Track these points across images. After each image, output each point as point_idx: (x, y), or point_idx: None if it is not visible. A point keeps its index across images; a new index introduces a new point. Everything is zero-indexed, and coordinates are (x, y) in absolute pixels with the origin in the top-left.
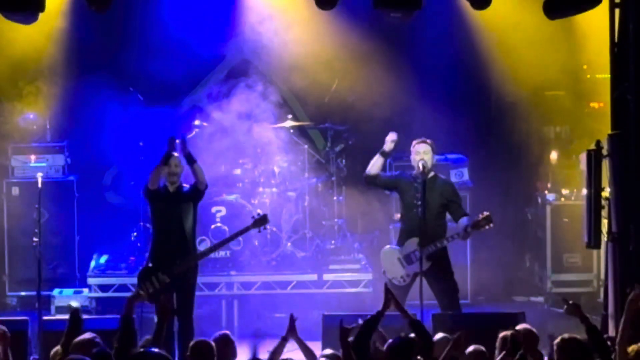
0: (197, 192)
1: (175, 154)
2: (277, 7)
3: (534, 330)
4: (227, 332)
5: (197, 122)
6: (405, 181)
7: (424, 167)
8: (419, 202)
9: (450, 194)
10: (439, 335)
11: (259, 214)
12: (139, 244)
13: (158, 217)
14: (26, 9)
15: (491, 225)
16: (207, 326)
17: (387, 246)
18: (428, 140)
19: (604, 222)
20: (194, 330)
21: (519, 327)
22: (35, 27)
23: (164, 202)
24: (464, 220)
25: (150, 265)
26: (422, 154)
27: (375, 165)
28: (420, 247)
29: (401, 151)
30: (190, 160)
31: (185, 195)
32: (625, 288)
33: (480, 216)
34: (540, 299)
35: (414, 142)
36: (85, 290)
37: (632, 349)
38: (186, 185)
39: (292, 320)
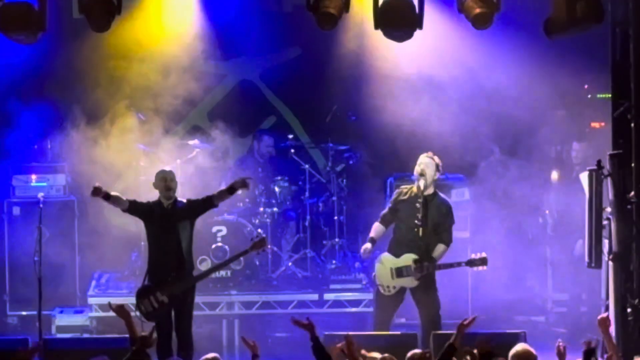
0: (207, 204)
1: (168, 169)
2: (279, 26)
3: (532, 350)
4: (216, 354)
5: (197, 142)
6: (403, 202)
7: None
8: (417, 220)
9: (444, 215)
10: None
11: (257, 236)
12: (139, 264)
13: (153, 234)
14: (27, 29)
15: (485, 267)
16: (208, 346)
17: (387, 253)
18: (435, 157)
19: (605, 242)
20: (193, 347)
21: (517, 347)
22: (34, 45)
23: (159, 218)
24: (440, 247)
25: (147, 284)
26: (422, 165)
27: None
28: (415, 266)
29: (403, 171)
30: (232, 192)
31: (181, 211)
32: (626, 308)
33: (478, 255)
34: (542, 318)
35: (422, 155)
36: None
37: None
38: (182, 200)
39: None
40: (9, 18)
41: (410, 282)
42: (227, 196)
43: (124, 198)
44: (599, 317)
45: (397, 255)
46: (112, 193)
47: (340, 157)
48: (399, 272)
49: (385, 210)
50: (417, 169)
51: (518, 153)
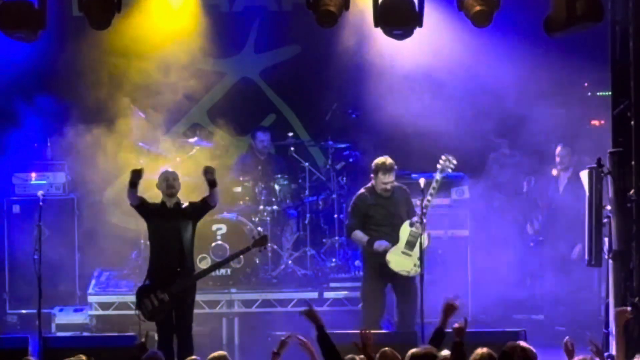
0: (205, 206)
1: (171, 169)
2: (278, 25)
3: (532, 348)
4: (224, 352)
5: (197, 140)
6: (370, 206)
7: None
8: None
9: (409, 199)
10: (445, 352)
11: (259, 234)
12: (139, 262)
13: (156, 234)
14: (27, 28)
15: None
16: (208, 344)
17: (388, 251)
18: (395, 166)
19: (605, 240)
20: (193, 347)
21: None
22: (34, 44)
23: (162, 219)
24: (414, 218)
25: (148, 283)
26: (389, 184)
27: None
28: (414, 228)
29: (403, 169)
30: (213, 185)
31: (184, 212)
32: (626, 306)
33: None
34: (541, 316)
35: (379, 166)
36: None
37: None
38: (185, 202)
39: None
40: (9, 16)
41: (424, 241)
42: (212, 190)
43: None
44: (618, 309)
45: (395, 242)
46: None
47: (340, 155)
48: (410, 245)
49: (355, 220)
50: (382, 186)
51: (517, 151)
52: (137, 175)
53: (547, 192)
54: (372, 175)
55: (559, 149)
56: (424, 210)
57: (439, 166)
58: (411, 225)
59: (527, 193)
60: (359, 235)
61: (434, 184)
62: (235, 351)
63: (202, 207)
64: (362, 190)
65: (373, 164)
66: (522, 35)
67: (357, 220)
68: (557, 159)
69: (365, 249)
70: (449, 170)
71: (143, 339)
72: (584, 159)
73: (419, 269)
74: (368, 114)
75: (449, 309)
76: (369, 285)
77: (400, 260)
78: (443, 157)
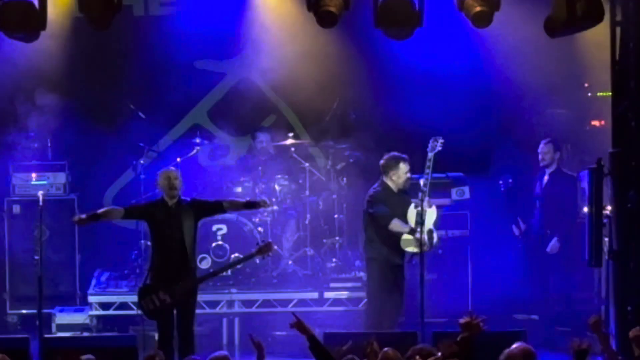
0: (216, 207)
1: (172, 168)
2: (279, 25)
3: (532, 348)
4: (226, 352)
5: (198, 140)
6: (387, 202)
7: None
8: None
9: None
10: None
11: (263, 241)
12: (139, 262)
13: (158, 234)
14: (27, 28)
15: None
16: (208, 344)
17: (402, 237)
18: (401, 157)
19: (605, 240)
20: (195, 347)
21: (516, 345)
22: (35, 44)
23: (163, 218)
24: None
25: (150, 282)
26: (404, 178)
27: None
28: (419, 208)
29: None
30: (248, 206)
31: (186, 210)
32: (626, 306)
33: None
34: (542, 316)
35: (398, 157)
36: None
37: None
38: (186, 199)
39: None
40: (10, 17)
41: (432, 214)
42: (242, 208)
43: (117, 208)
44: (591, 320)
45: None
46: (100, 211)
47: (340, 155)
48: (420, 224)
49: (388, 208)
50: (405, 177)
51: (517, 152)
52: (81, 223)
53: (532, 189)
54: (390, 171)
55: (540, 145)
56: (424, 189)
57: (428, 148)
58: (416, 206)
59: (506, 192)
60: (397, 222)
61: (427, 164)
62: (236, 351)
63: (212, 208)
64: (375, 188)
65: (390, 158)
66: (523, 35)
67: (388, 208)
68: (540, 156)
69: (379, 246)
70: (439, 148)
71: (152, 352)
72: (584, 158)
73: (427, 242)
74: (368, 114)
75: (470, 328)
76: (379, 284)
77: (414, 241)
78: (432, 139)
